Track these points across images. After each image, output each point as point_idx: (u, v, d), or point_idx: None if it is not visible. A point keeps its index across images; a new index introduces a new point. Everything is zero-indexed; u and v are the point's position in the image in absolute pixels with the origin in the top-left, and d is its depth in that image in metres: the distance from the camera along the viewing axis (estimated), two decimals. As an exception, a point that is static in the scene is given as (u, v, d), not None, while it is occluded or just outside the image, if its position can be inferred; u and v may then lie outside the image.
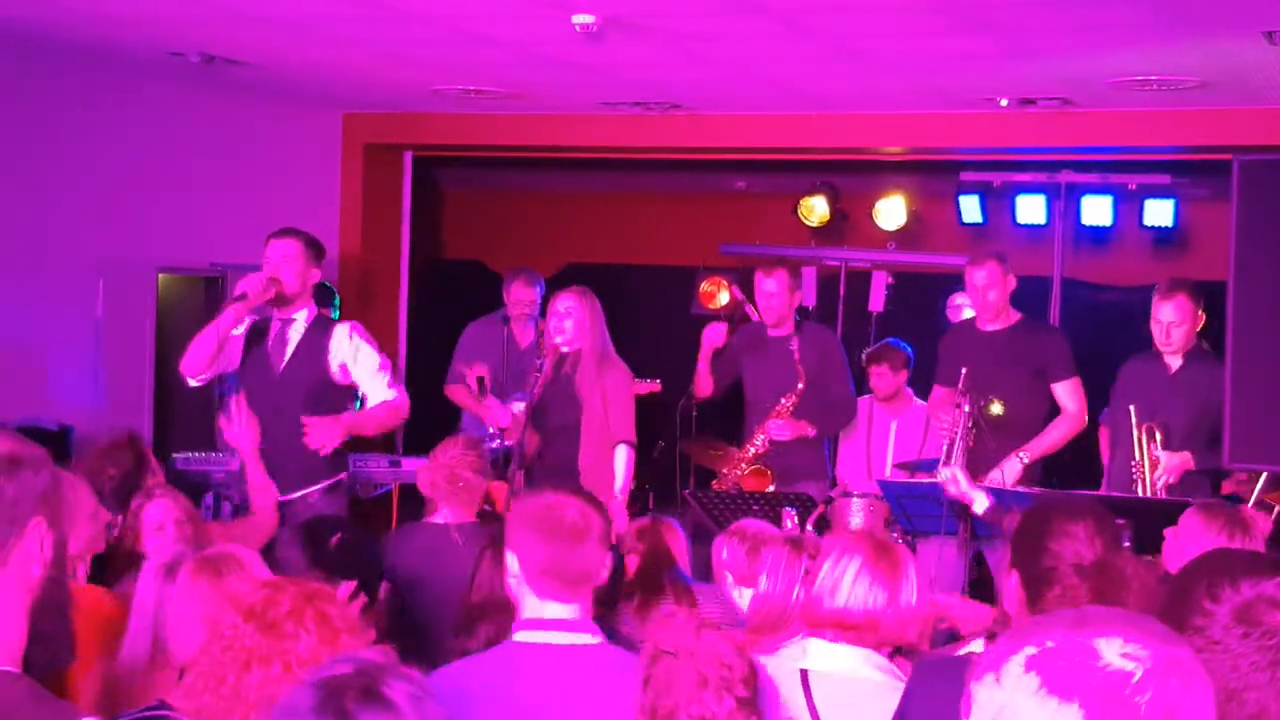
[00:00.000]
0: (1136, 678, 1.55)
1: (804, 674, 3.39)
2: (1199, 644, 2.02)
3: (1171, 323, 6.41)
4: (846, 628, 3.42)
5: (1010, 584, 3.23)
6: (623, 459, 6.75)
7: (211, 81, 8.34)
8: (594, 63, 7.48)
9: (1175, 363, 6.49)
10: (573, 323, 6.81)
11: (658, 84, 8.16)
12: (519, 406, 7.21)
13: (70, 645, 2.41)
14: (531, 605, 3.25)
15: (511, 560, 3.28)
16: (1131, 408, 6.31)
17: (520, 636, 3.23)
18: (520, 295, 8.46)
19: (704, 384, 7.57)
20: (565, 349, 6.84)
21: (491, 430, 7.51)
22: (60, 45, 7.56)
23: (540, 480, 6.56)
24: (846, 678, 3.39)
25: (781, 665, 3.42)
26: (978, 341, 6.97)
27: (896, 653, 3.55)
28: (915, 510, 6.62)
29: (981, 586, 6.56)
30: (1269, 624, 2.20)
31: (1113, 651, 1.57)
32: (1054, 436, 6.93)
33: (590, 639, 3.24)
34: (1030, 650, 1.59)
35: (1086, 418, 7.00)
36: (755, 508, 6.80)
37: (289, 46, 7.49)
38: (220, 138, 9.01)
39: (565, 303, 6.85)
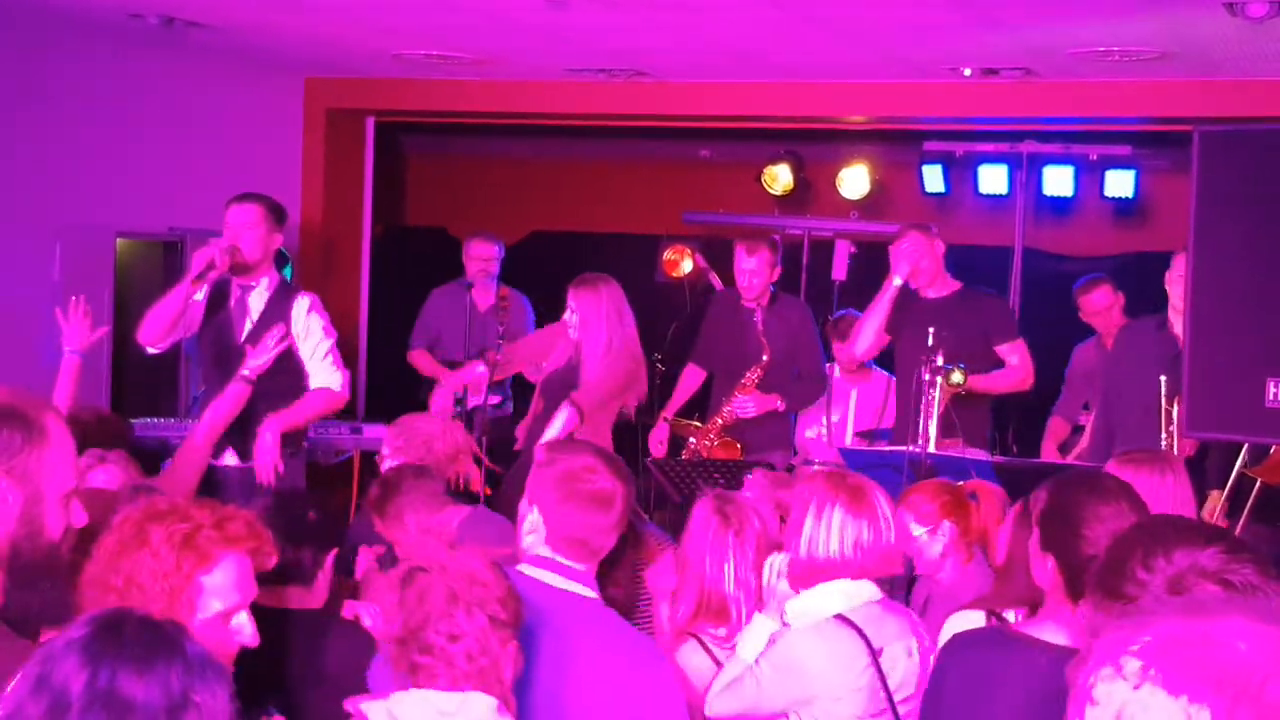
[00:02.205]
0: (1265, 665, 1.47)
1: (841, 618, 3.68)
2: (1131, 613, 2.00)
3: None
4: (838, 573, 3.70)
5: (1046, 568, 3.22)
6: (561, 419, 6.62)
7: (171, 44, 8.26)
8: (559, 29, 7.44)
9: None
10: (578, 319, 6.77)
11: (623, 51, 8.13)
12: (481, 369, 7.21)
13: (54, 612, 2.42)
14: (545, 551, 3.27)
15: (535, 514, 3.29)
16: (1162, 378, 6.34)
17: (526, 569, 3.23)
18: (479, 251, 8.45)
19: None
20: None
21: (456, 395, 7.50)
22: (16, 6, 7.47)
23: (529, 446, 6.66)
24: (871, 611, 3.71)
25: (810, 618, 3.68)
26: (920, 309, 7.01)
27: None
28: (876, 479, 6.63)
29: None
30: (1199, 593, 2.21)
31: (1236, 640, 1.49)
32: (997, 379, 6.97)
33: (589, 592, 3.27)
34: (1147, 642, 1.52)
35: (1032, 380, 7.06)
36: (717, 476, 6.81)
37: (250, 9, 7.42)
38: (179, 101, 8.93)
39: (570, 301, 6.83)
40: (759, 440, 7.31)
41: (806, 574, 3.75)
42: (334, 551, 3.89)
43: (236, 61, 8.92)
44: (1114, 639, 1.56)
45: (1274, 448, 6.23)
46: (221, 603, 2.63)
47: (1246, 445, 6.13)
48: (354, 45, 8.31)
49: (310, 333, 6.14)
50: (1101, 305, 7.90)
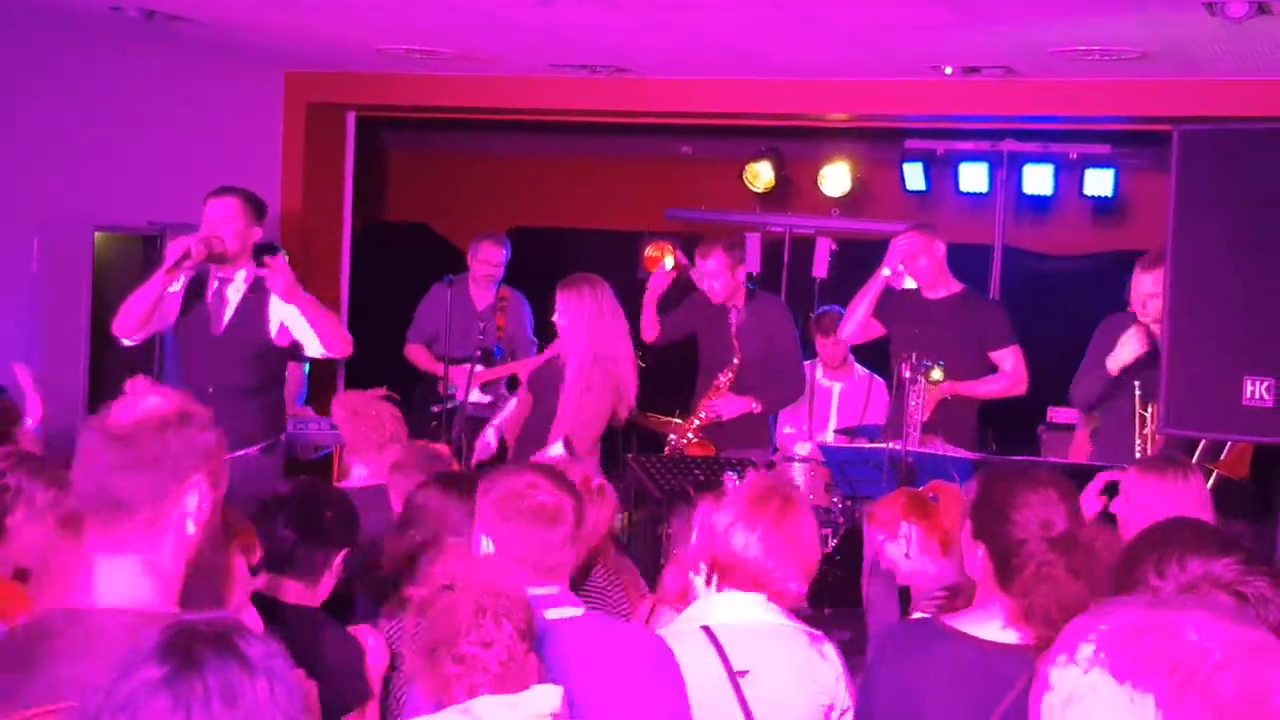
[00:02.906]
0: (1217, 657, 1.48)
1: (707, 630, 3.44)
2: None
3: (1150, 294, 6.45)
4: (749, 579, 3.49)
5: (977, 556, 3.23)
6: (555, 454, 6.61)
7: (151, 37, 8.23)
8: (540, 25, 7.43)
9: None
10: (567, 320, 6.80)
11: (605, 48, 8.12)
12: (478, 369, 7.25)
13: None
14: None
15: (486, 543, 3.25)
16: (1136, 383, 6.35)
17: (550, 614, 3.17)
18: (490, 255, 8.50)
19: (649, 328, 7.57)
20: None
21: (444, 393, 7.52)
22: (-4, -2, 7.45)
23: (520, 447, 6.74)
24: (752, 628, 3.45)
25: (685, 625, 3.49)
26: (920, 308, 7.03)
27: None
28: (857, 475, 6.66)
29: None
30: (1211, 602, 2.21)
31: (1190, 632, 1.50)
32: (986, 385, 7.00)
33: (575, 611, 3.24)
34: (1102, 631, 1.54)
35: (1025, 386, 7.06)
36: (697, 473, 6.83)
37: (231, 3, 7.40)
38: (160, 95, 8.90)
39: (559, 302, 6.85)
40: (737, 438, 7.31)
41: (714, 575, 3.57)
42: (344, 552, 3.85)
43: (217, 55, 8.89)
44: (1075, 627, 1.58)
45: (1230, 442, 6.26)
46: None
47: (1202, 441, 6.16)
48: (335, 39, 8.29)
49: (292, 314, 6.12)
50: None
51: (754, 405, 7.31)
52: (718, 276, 7.29)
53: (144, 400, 2.33)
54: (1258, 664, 1.49)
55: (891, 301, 7.17)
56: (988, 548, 3.18)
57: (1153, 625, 1.52)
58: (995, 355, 6.99)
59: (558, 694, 2.74)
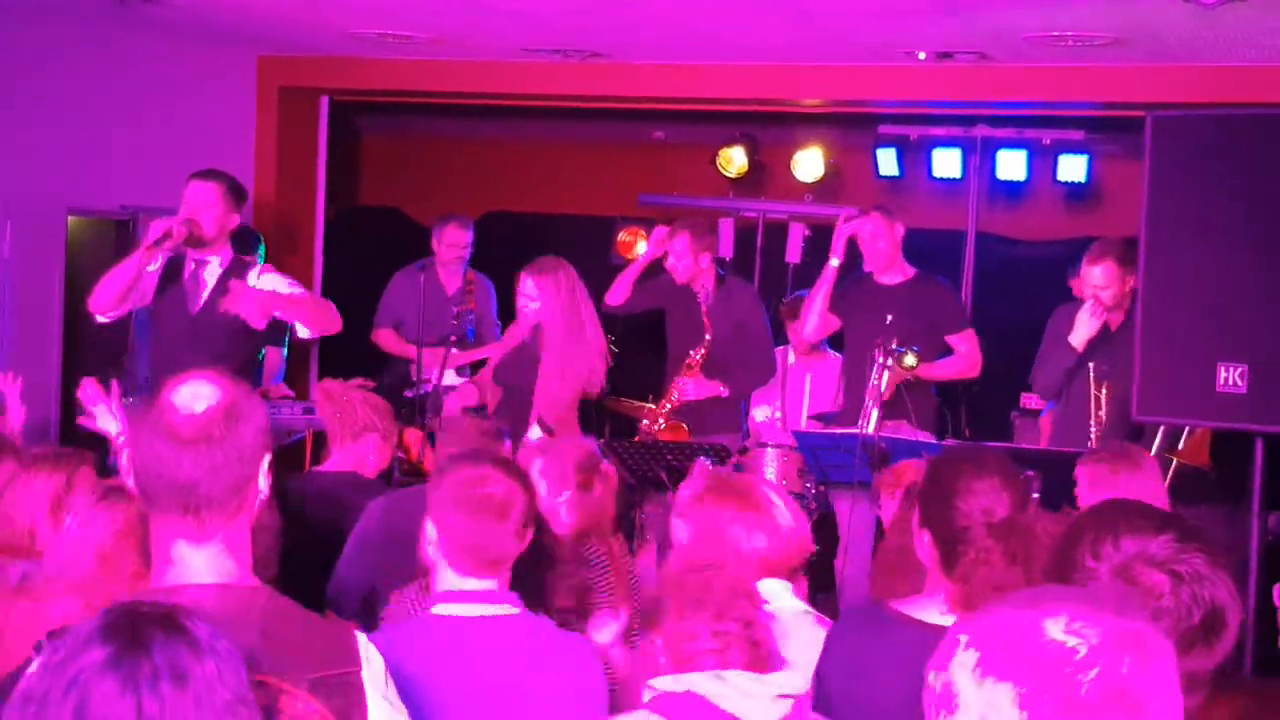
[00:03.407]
0: (1080, 655, 1.49)
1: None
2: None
3: (1099, 286, 6.50)
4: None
5: (923, 543, 3.26)
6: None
7: (125, 19, 8.17)
8: (514, 8, 7.41)
9: (1116, 320, 6.55)
10: (538, 305, 6.86)
11: (578, 31, 8.10)
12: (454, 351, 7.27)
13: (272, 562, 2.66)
14: (449, 578, 3.22)
15: (431, 530, 3.25)
16: (1090, 365, 6.39)
17: (439, 609, 3.19)
18: (455, 238, 8.48)
19: (618, 293, 7.56)
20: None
21: (415, 379, 7.51)
22: (-34, -20, 7.39)
23: None
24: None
25: None
26: (876, 294, 7.04)
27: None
28: (829, 461, 6.68)
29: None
30: (1146, 583, 2.21)
31: (1056, 628, 1.51)
32: (942, 368, 7.03)
33: (510, 609, 3.22)
34: (974, 628, 1.56)
35: (979, 369, 7.13)
36: (670, 458, 6.83)
37: (203, -14, 7.37)
38: (133, 77, 8.84)
39: (527, 286, 6.89)
40: (708, 424, 7.32)
41: None
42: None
43: (190, 38, 8.84)
44: (955, 625, 1.62)
45: (1188, 430, 6.31)
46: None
47: (1161, 429, 6.21)
48: (308, 23, 8.25)
49: (268, 279, 6.15)
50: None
51: (721, 389, 7.33)
52: (681, 257, 7.33)
53: (190, 392, 2.33)
54: (1122, 659, 1.50)
55: (846, 292, 7.16)
56: (932, 534, 3.22)
57: (1019, 623, 1.53)
58: (952, 339, 7.02)
59: (799, 679, 2.90)
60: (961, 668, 1.54)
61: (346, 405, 5.44)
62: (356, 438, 5.38)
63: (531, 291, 6.85)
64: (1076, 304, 6.68)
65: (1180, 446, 6.47)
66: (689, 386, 7.31)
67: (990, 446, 5.36)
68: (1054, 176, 9.44)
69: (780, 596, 3.54)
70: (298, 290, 6.30)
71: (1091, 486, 4.57)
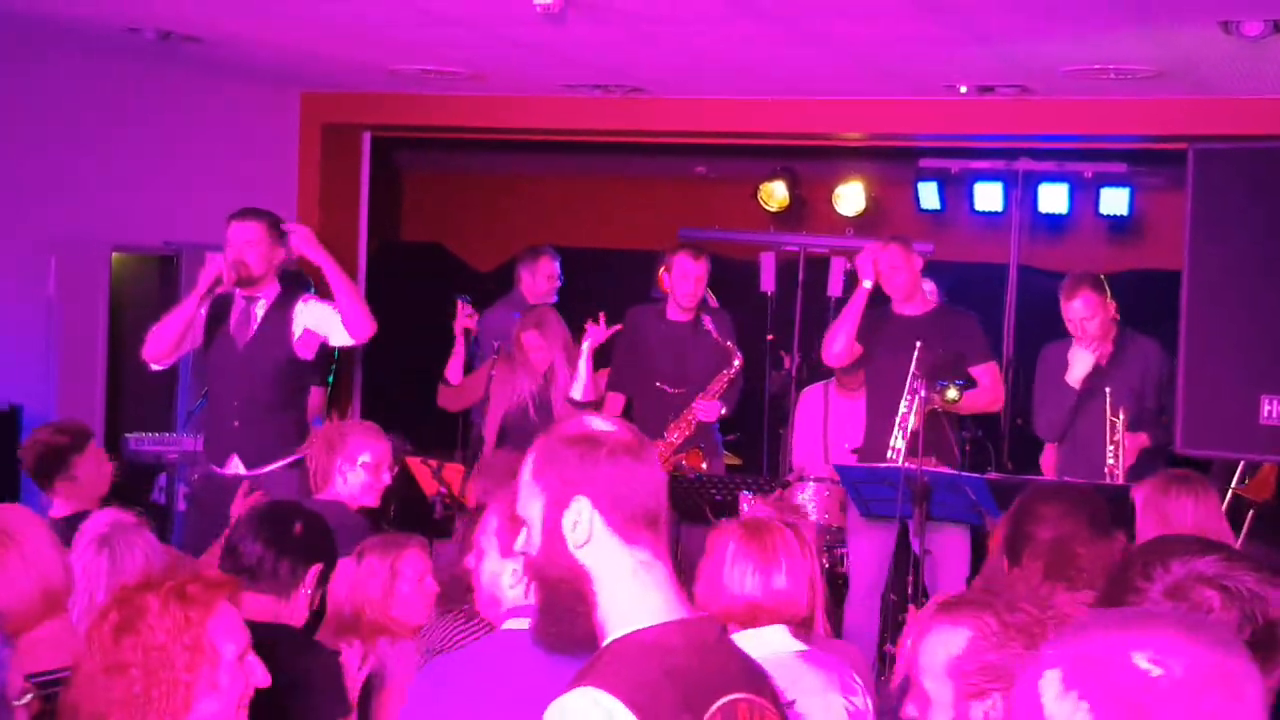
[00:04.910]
0: (1161, 684, 1.49)
1: None
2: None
3: (1083, 318, 6.53)
4: (734, 617, 3.46)
5: (999, 566, 3.28)
6: None
7: (168, 58, 8.26)
8: (555, 44, 7.45)
9: (1105, 352, 6.56)
10: (539, 356, 7.35)
11: (619, 67, 8.14)
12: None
13: None
14: (514, 594, 3.16)
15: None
16: (1107, 390, 6.37)
17: (511, 624, 3.08)
18: (550, 269, 8.42)
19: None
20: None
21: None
22: (13, 19, 7.47)
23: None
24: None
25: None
26: (899, 325, 7.01)
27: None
28: (871, 494, 6.66)
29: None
30: (1196, 599, 2.22)
31: (1143, 655, 1.51)
32: (970, 401, 7.00)
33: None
34: (1064, 644, 1.58)
35: (1002, 401, 7.10)
36: (713, 492, 6.85)
37: (246, 24, 7.43)
38: (176, 116, 8.93)
39: (528, 340, 7.39)
40: (705, 447, 7.36)
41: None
42: (317, 567, 3.86)
43: (233, 76, 8.93)
44: (1053, 639, 1.64)
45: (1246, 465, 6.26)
46: (234, 645, 2.70)
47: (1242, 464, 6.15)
48: (350, 61, 8.32)
49: (314, 313, 6.22)
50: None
51: (723, 409, 7.35)
52: (705, 281, 7.47)
53: None
54: (1206, 693, 1.49)
55: (869, 324, 7.10)
56: (1007, 557, 3.26)
57: (1108, 645, 1.54)
58: (975, 371, 6.98)
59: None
60: (1047, 682, 1.56)
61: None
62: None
63: (532, 344, 7.32)
64: (1063, 343, 6.70)
65: (1245, 482, 6.43)
66: (706, 408, 7.31)
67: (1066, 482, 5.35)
68: (1096, 209, 9.40)
69: (774, 643, 3.47)
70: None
71: (1145, 508, 4.50)
